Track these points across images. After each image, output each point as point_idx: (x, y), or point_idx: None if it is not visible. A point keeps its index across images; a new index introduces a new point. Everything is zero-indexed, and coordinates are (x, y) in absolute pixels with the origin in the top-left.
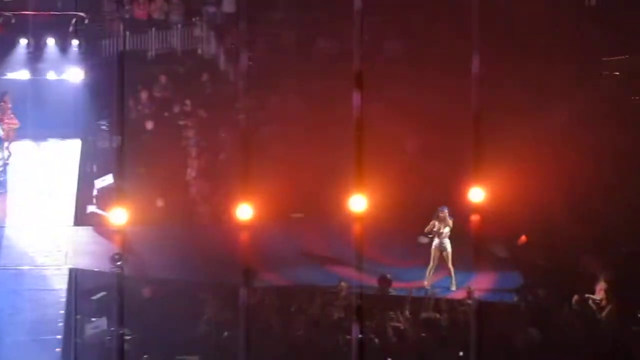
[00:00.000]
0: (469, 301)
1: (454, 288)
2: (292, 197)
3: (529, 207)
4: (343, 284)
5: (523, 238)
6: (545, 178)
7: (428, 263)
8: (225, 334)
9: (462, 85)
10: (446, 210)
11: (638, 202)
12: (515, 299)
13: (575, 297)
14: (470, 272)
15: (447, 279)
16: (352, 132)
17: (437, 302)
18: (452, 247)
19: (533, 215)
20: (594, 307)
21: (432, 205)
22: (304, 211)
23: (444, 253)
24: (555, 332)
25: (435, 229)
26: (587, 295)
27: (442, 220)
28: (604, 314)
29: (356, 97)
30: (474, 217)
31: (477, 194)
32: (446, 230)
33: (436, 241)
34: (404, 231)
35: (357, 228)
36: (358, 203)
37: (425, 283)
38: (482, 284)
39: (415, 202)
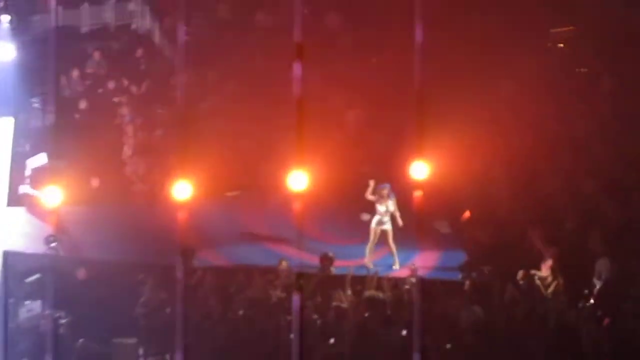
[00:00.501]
0: (413, 279)
1: (396, 266)
2: (231, 175)
3: (473, 183)
4: (284, 263)
5: (466, 214)
6: (489, 153)
7: (367, 240)
8: (164, 314)
9: (405, 58)
10: (388, 188)
11: (582, 177)
12: (460, 276)
13: (520, 273)
14: (414, 250)
15: (389, 257)
16: (292, 107)
17: (380, 281)
18: (394, 224)
19: (477, 191)
20: (539, 283)
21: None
22: (243, 188)
23: (385, 232)
24: (500, 309)
25: (376, 206)
26: (532, 271)
27: (384, 198)
28: (550, 290)
29: (296, 71)
30: (417, 193)
31: (419, 169)
32: (387, 209)
33: (376, 219)
34: (345, 208)
35: (297, 205)
36: (298, 179)
37: (366, 260)
38: (425, 261)
39: (356, 178)
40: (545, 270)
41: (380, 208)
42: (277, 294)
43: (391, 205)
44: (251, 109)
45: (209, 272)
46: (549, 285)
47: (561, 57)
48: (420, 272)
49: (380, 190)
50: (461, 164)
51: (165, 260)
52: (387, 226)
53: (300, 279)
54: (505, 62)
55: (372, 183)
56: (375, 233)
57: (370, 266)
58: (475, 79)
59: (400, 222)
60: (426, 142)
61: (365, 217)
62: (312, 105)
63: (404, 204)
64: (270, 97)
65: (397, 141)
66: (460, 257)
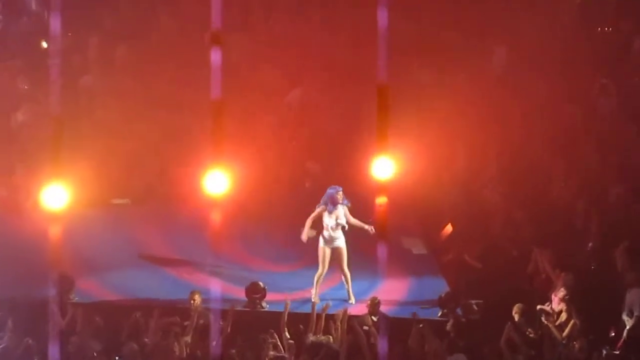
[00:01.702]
0: (373, 318)
1: (352, 300)
2: (122, 176)
3: (456, 185)
4: (196, 297)
5: (447, 228)
6: (477, 144)
7: (313, 265)
8: None
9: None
10: (340, 192)
11: (606, 179)
12: (439, 314)
13: (520, 309)
14: (375, 278)
15: (341, 287)
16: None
17: (328, 321)
18: (349, 243)
19: (462, 196)
20: (548, 323)
21: (319, 186)
22: (138, 195)
23: (338, 252)
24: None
25: (324, 218)
26: (539, 307)
27: (334, 206)
28: (565, 333)
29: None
30: (380, 200)
31: (383, 168)
32: (339, 221)
33: (325, 235)
34: (279, 221)
35: (215, 217)
36: (216, 182)
37: (312, 293)
38: (391, 293)
39: (295, 182)
40: (556, 305)
41: (329, 221)
42: (185, 342)
43: (342, 215)
44: (152, 89)
45: (91, 310)
46: (561, 325)
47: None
48: (385, 308)
49: (329, 196)
50: (439, 160)
51: (31, 292)
52: (339, 243)
53: (220, 318)
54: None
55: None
56: (324, 254)
57: (317, 301)
58: (440, 61)
59: (369, 228)
60: (391, 131)
61: (309, 233)
62: (238, 82)
63: (362, 215)
64: (184, 76)
65: (352, 131)
66: (439, 286)
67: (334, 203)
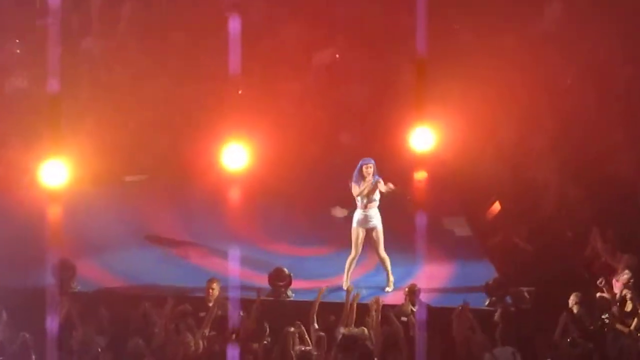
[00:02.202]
0: (412, 308)
1: (389, 288)
2: (132, 151)
3: (503, 159)
4: (214, 285)
5: (495, 206)
6: (528, 114)
7: (344, 249)
8: None
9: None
10: (369, 165)
11: None
12: (486, 302)
13: (575, 298)
14: (414, 264)
15: (377, 273)
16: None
17: (363, 311)
18: (383, 224)
19: (510, 171)
20: (610, 313)
21: (350, 159)
22: (150, 171)
23: (373, 233)
24: (549, 353)
25: (357, 191)
26: (599, 294)
27: (367, 182)
28: (632, 324)
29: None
30: (418, 176)
31: (421, 139)
32: (374, 198)
33: (359, 215)
34: (306, 201)
35: (232, 196)
36: (234, 158)
37: (344, 281)
38: (432, 280)
39: (323, 157)
40: (618, 291)
41: (362, 198)
42: (202, 335)
43: (377, 192)
44: (165, 53)
45: (95, 299)
46: (626, 316)
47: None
48: (425, 297)
49: (362, 170)
50: (483, 131)
51: (28, 280)
52: (374, 223)
53: (240, 309)
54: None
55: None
56: (357, 237)
57: (350, 289)
58: (483, 21)
59: (389, 187)
60: (430, 99)
61: (339, 212)
62: (257, 45)
63: (398, 192)
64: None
65: (387, 99)
66: (486, 272)
67: (362, 177)
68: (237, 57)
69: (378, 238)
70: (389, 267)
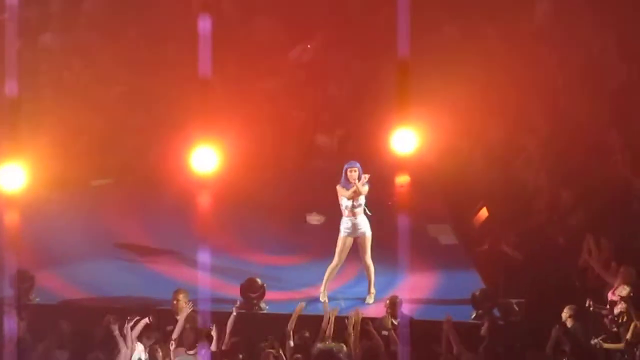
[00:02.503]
0: (394, 321)
1: (370, 300)
2: (93, 154)
3: (488, 160)
4: (181, 296)
5: (482, 212)
6: (510, 112)
7: (322, 258)
8: None
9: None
10: (355, 169)
11: None
12: (472, 315)
13: (569, 311)
14: (396, 273)
15: (357, 284)
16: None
17: (341, 325)
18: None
19: (495, 174)
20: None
21: (328, 162)
22: (113, 175)
23: (360, 240)
24: None
25: (341, 199)
26: (591, 305)
27: (350, 186)
28: (627, 336)
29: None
30: (401, 179)
31: (404, 141)
32: (359, 203)
33: (347, 223)
34: (281, 206)
35: (202, 201)
36: (204, 160)
37: (322, 291)
38: (415, 291)
39: (301, 159)
40: (614, 303)
41: (346, 202)
42: (169, 350)
43: (363, 197)
44: (130, 49)
45: (53, 313)
46: (621, 328)
47: None
48: (407, 309)
49: (346, 173)
50: (469, 132)
51: None
52: (363, 230)
53: (210, 322)
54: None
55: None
56: (344, 245)
57: (326, 300)
58: (468, 14)
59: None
60: (413, 98)
61: (315, 219)
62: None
63: (380, 197)
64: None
65: (368, 98)
66: (472, 283)
67: (347, 182)
68: (207, 55)
69: (365, 244)
70: (372, 277)
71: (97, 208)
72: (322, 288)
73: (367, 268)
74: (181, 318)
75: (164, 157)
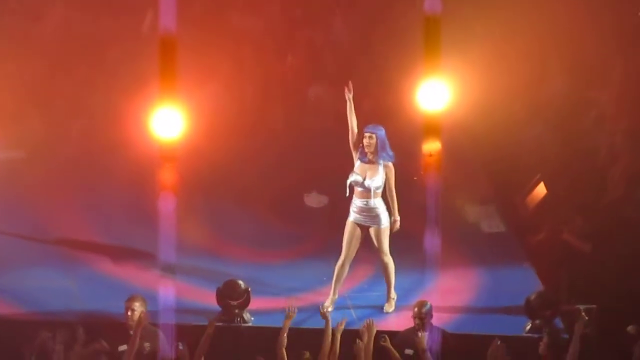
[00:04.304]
0: (422, 335)
1: (389, 308)
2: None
3: (545, 121)
4: (136, 305)
5: (538, 189)
6: (568, 54)
7: (325, 253)
8: None
9: None
10: (376, 136)
11: None
12: (526, 327)
13: None
14: (424, 273)
15: (371, 287)
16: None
17: (352, 341)
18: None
19: (556, 137)
20: None
21: (330, 125)
22: (36, 146)
23: (373, 231)
24: None
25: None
26: None
27: (365, 157)
28: None
29: None
30: (430, 146)
31: (433, 96)
32: (369, 183)
33: (358, 204)
34: (268, 183)
35: (166, 179)
36: (166, 126)
37: (330, 296)
38: (449, 296)
39: (292, 120)
40: None
41: (356, 177)
42: None
43: (379, 175)
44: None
45: None
46: None
47: None
48: (439, 320)
49: (364, 140)
50: (517, 84)
51: None
52: (377, 218)
53: (178, 343)
54: None
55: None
56: (352, 234)
57: (328, 308)
58: None
59: (397, 219)
60: (443, 44)
61: (315, 200)
62: None
63: (400, 171)
64: None
65: (382, 41)
66: (526, 284)
67: (364, 153)
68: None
69: (381, 237)
70: (392, 278)
71: (20, 191)
72: (331, 290)
73: (384, 267)
74: (136, 334)
75: (114, 123)
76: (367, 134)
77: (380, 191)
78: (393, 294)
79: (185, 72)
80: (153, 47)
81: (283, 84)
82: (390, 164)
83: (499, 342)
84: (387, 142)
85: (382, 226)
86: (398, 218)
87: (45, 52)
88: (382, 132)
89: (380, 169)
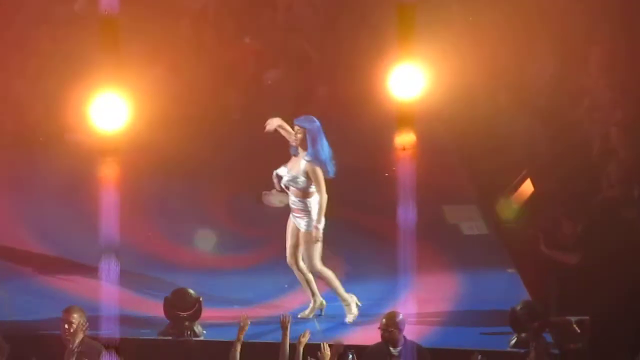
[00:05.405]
0: (393, 350)
1: (351, 317)
2: None
3: (532, 107)
4: (74, 317)
5: (525, 185)
6: (558, 35)
7: (282, 256)
8: None
9: None
10: (305, 129)
11: None
12: (511, 341)
13: None
14: (395, 279)
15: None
16: None
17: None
18: (353, 215)
19: (543, 126)
20: None
21: (289, 113)
22: None
23: (312, 234)
24: None
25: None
26: None
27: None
28: None
29: None
30: (404, 139)
31: (408, 81)
32: (287, 177)
33: (290, 200)
34: (220, 177)
35: (106, 172)
36: (108, 114)
37: (309, 307)
38: (424, 305)
39: (245, 107)
40: None
41: (279, 171)
42: None
43: (299, 168)
44: None
45: None
46: None
47: None
48: (412, 332)
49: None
50: (497, 65)
51: None
52: (298, 216)
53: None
54: None
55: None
56: (291, 234)
57: (286, 320)
58: None
59: (319, 226)
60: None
61: (274, 198)
62: None
63: (371, 166)
64: None
65: (350, 22)
66: (510, 292)
67: (294, 141)
68: None
69: (301, 241)
70: (335, 285)
71: None
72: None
73: (303, 275)
74: (73, 347)
75: (49, 114)
76: (295, 128)
77: (298, 188)
78: (353, 303)
79: (129, 54)
80: (90, 28)
81: (241, 67)
82: (313, 164)
83: (479, 357)
84: (320, 136)
85: (302, 230)
86: (320, 226)
87: None
88: (313, 125)
89: (302, 165)
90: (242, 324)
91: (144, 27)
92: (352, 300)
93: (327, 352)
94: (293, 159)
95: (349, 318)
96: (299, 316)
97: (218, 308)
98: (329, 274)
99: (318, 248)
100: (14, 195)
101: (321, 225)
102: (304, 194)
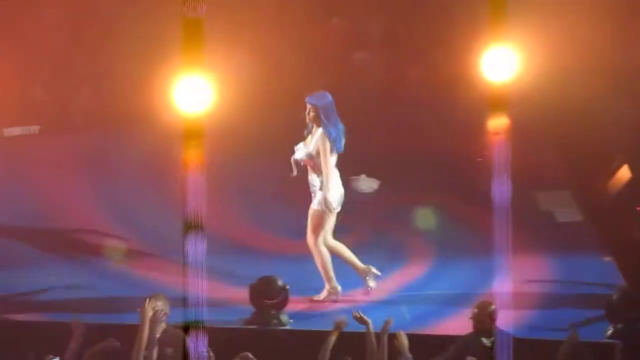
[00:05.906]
0: (485, 341)
1: (371, 283)
2: (29, 94)
3: (627, 93)
4: (159, 303)
5: (622, 171)
6: None
7: (378, 241)
8: None
9: None
10: (317, 107)
11: None
12: (608, 332)
13: None
14: (489, 267)
15: (427, 283)
16: None
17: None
18: (445, 200)
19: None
20: None
21: (378, 95)
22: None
23: (318, 212)
24: None
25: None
26: None
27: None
28: None
29: None
30: (497, 122)
31: (501, 64)
32: (299, 153)
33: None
34: None
35: (191, 157)
36: (193, 94)
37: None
38: (517, 295)
39: (337, 89)
40: None
41: (297, 147)
42: None
43: (312, 142)
44: None
45: None
46: None
47: None
48: (505, 323)
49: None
50: (591, 52)
51: None
52: (313, 201)
53: (206, 347)
54: None
55: None
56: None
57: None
58: None
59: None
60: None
61: (363, 184)
62: None
63: (463, 151)
64: None
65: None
66: (606, 281)
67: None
68: None
69: (309, 219)
70: (347, 256)
71: (23, 172)
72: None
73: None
74: (144, 325)
75: (133, 95)
76: (308, 106)
77: (311, 166)
78: (362, 268)
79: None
80: (173, 8)
81: (329, 49)
82: (324, 138)
83: (569, 338)
84: (333, 112)
85: (313, 206)
86: (331, 200)
87: (56, 25)
88: (325, 101)
89: (315, 138)
90: (337, 325)
91: (230, 3)
92: (370, 270)
93: (404, 340)
94: (308, 138)
95: (371, 283)
96: (314, 299)
97: (303, 296)
98: (323, 251)
99: (324, 225)
100: (97, 177)
101: (330, 203)
102: (316, 169)
